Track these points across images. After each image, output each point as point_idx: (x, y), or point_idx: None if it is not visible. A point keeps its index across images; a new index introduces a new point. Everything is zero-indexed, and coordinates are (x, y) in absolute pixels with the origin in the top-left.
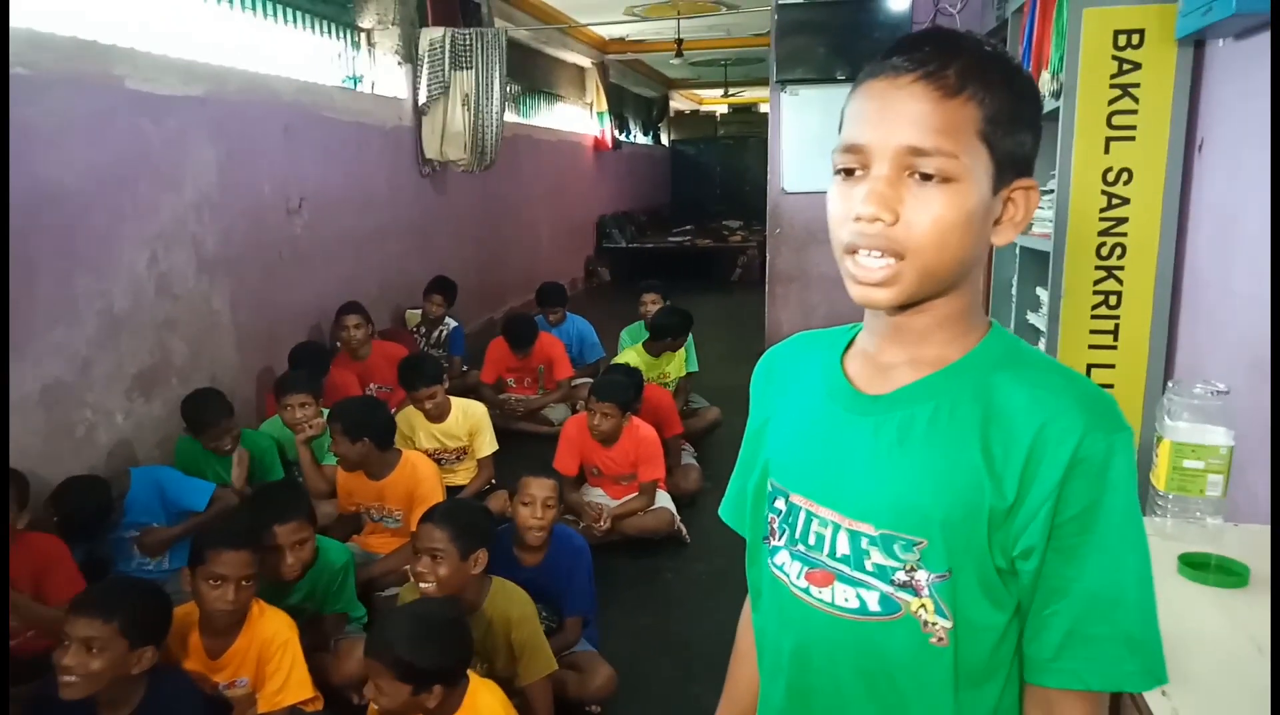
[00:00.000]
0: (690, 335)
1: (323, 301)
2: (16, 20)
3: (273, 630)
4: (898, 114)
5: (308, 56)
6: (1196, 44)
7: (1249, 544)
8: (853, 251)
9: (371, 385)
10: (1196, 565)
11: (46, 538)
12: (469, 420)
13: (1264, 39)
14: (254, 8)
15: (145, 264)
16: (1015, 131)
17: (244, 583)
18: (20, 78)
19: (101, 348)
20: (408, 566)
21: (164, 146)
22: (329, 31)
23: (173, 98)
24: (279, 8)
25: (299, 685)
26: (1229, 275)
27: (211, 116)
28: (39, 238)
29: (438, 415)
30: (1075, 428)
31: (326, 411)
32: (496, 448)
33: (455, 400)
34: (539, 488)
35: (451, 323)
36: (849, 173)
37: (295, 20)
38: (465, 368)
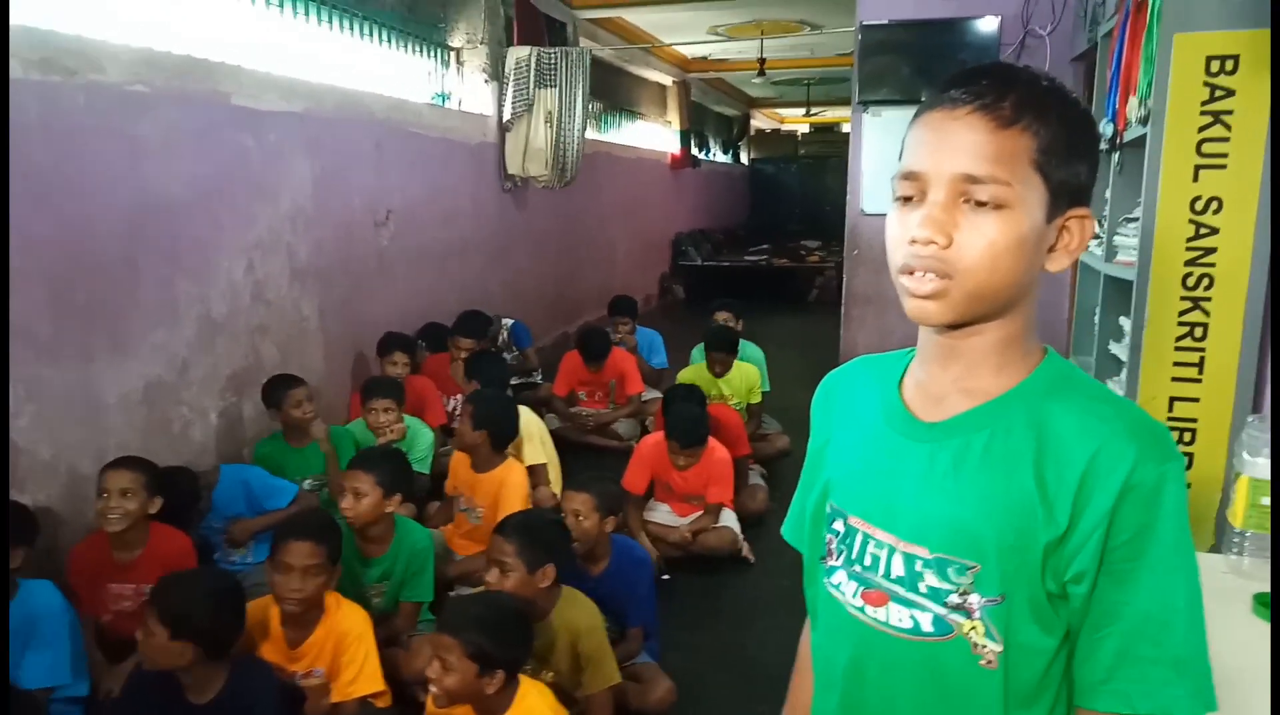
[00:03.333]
0: (763, 357)
1: (406, 312)
2: (134, 39)
3: (349, 623)
4: (954, 143)
5: (399, 74)
6: None
7: None
8: (909, 272)
9: (448, 397)
10: (1270, 604)
11: (176, 533)
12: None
13: None
14: (351, 27)
15: (242, 272)
16: (1070, 162)
17: (311, 573)
18: (136, 94)
19: (199, 349)
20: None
21: (263, 160)
22: (420, 51)
23: (273, 113)
24: (374, 27)
25: (370, 678)
26: None
27: (308, 132)
28: (144, 244)
29: None
30: (1127, 456)
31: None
32: (544, 461)
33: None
34: (568, 500)
35: (508, 321)
36: (907, 199)
37: (389, 40)
38: (539, 375)
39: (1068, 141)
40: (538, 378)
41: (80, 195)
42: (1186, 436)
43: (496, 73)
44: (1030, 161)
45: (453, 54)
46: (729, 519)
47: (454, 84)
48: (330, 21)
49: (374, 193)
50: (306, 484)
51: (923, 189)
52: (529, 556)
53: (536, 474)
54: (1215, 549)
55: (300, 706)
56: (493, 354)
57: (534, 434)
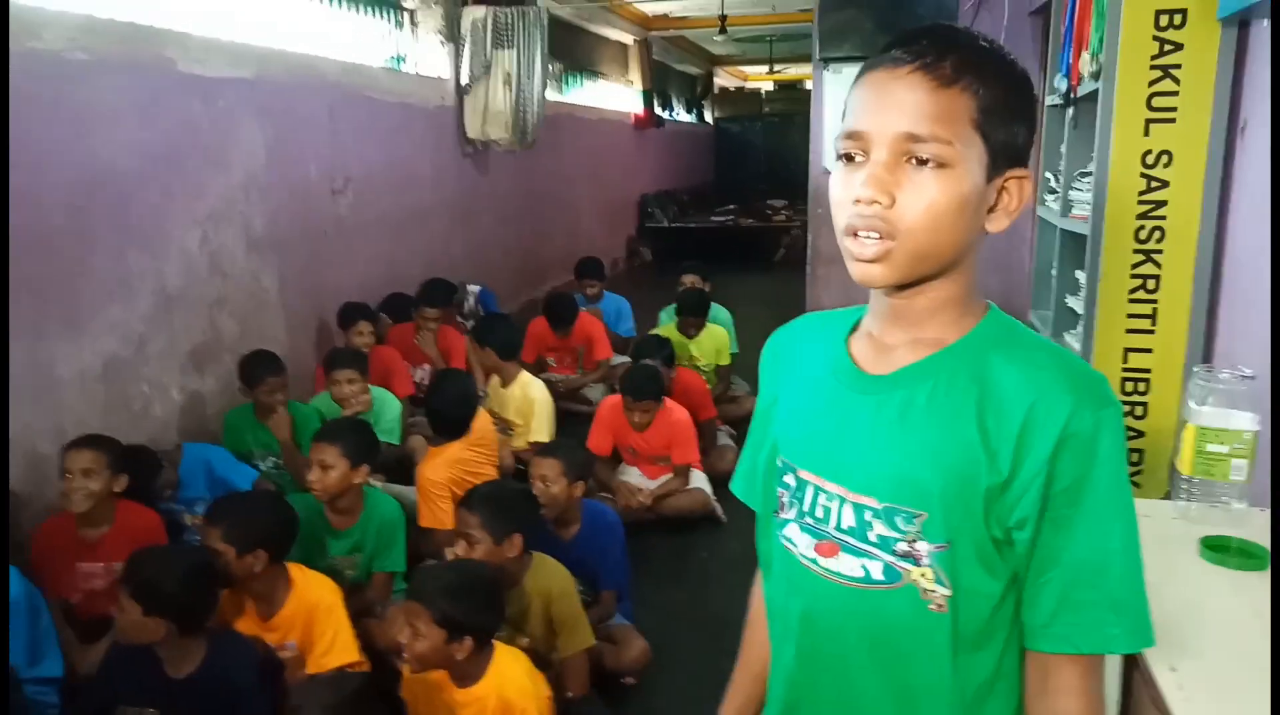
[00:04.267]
0: (731, 318)
1: (368, 281)
2: (74, 6)
3: (318, 595)
4: (896, 102)
5: (353, 37)
6: (1240, 24)
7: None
8: (852, 233)
9: (414, 367)
10: (1217, 548)
11: (144, 510)
12: (525, 402)
13: None
14: None
15: (197, 243)
16: (1009, 122)
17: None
18: (77, 62)
19: (156, 324)
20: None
21: (213, 127)
22: (373, 11)
23: (222, 79)
24: None
25: (345, 648)
26: (1269, 261)
27: (259, 98)
28: (93, 217)
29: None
30: (1065, 404)
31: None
32: (550, 439)
33: (525, 377)
34: (536, 466)
35: (474, 288)
36: (850, 158)
37: (339, 1)
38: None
39: (1007, 102)
40: None
41: (22, 167)
42: (1141, 387)
43: (453, 34)
44: (970, 121)
45: (406, 15)
46: (699, 480)
47: (409, 46)
48: None
49: (330, 159)
50: (270, 461)
51: (865, 148)
52: (495, 527)
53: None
54: (1168, 496)
55: (279, 676)
56: (498, 317)
57: (545, 411)
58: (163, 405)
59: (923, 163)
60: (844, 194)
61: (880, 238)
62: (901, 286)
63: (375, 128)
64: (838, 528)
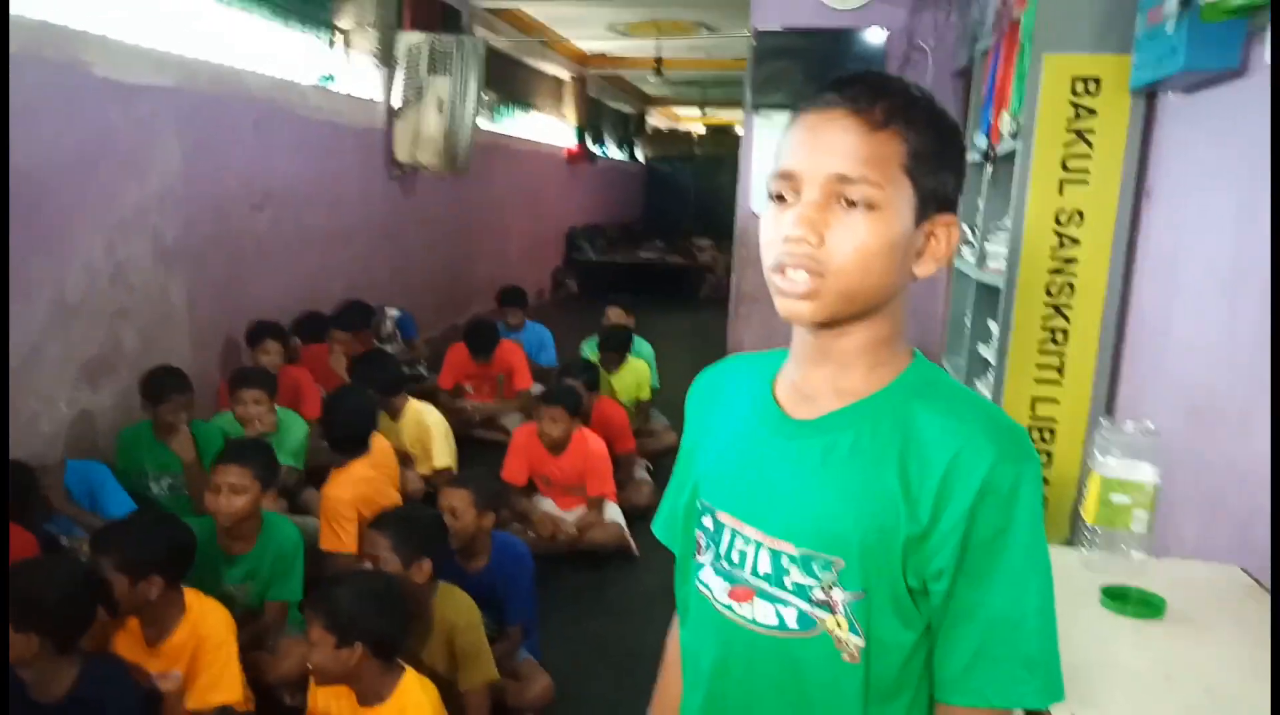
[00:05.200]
0: (653, 353)
1: (286, 299)
2: None
3: (210, 626)
4: (828, 144)
5: (283, 53)
6: (1149, 95)
7: (1170, 578)
8: (781, 269)
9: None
10: (1117, 597)
11: (18, 531)
12: (420, 430)
13: (1211, 94)
14: (230, 1)
15: (102, 252)
16: (937, 169)
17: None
18: None
19: (51, 334)
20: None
21: (130, 135)
22: (306, 29)
23: (141, 87)
24: (256, 3)
25: (230, 686)
26: (1170, 320)
27: (180, 108)
28: None
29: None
30: (986, 456)
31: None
32: (450, 463)
33: (415, 404)
34: (445, 497)
35: (393, 311)
36: (781, 199)
37: (272, 15)
38: (425, 367)
39: (936, 149)
40: (423, 369)
41: None
42: (1047, 435)
43: (386, 57)
44: (900, 165)
45: (340, 35)
46: (614, 513)
47: (341, 66)
48: None
49: (252, 174)
50: (165, 482)
51: (796, 188)
52: (404, 551)
53: (442, 477)
54: (1069, 542)
55: (157, 707)
56: (376, 353)
57: (440, 434)
58: (50, 420)
59: (852, 204)
60: (774, 233)
61: (809, 275)
62: (827, 326)
63: (302, 145)
64: (754, 573)
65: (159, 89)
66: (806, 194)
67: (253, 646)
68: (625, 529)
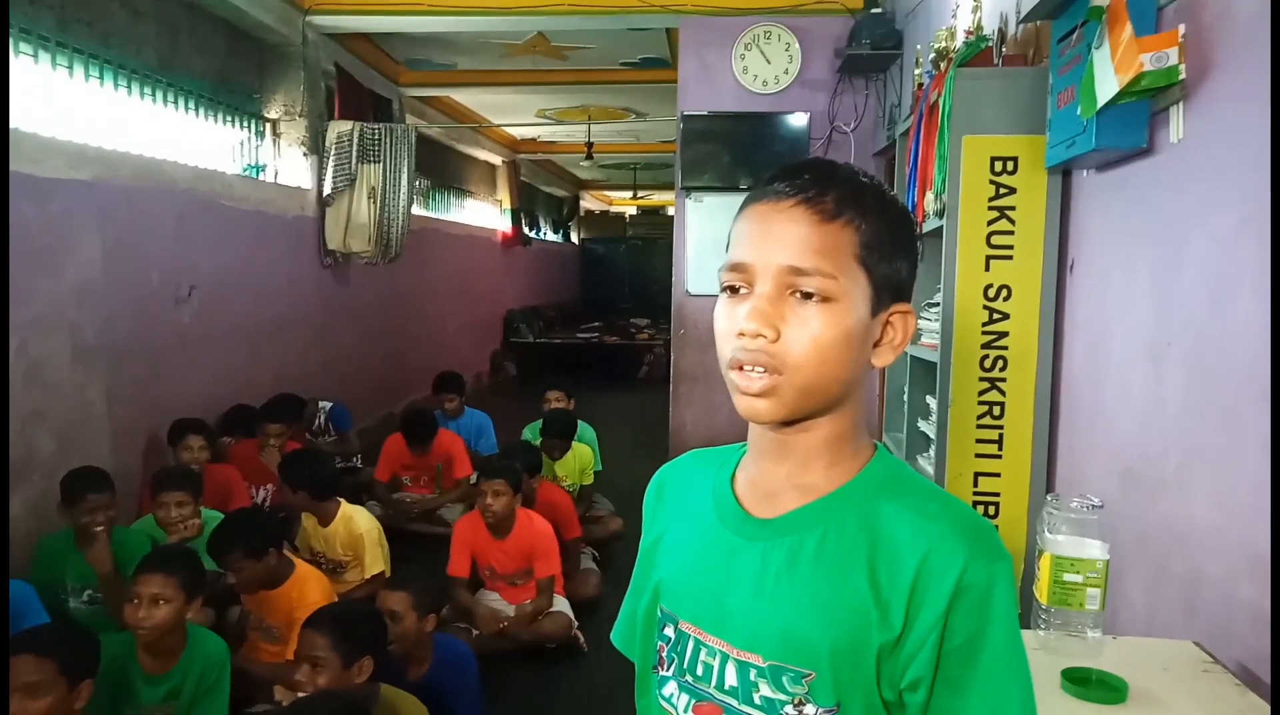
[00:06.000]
0: (595, 437)
1: (213, 395)
2: None
3: None
4: (780, 235)
5: (207, 144)
6: (1065, 173)
7: (1127, 656)
8: (738, 367)
9: (257, 488)
10: (1079, 681)
11: None
12: (351, 538)
13: (1123, 171)
14: (154, 94)
15: (14, 351)
16: (891, 257)
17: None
18: None
19: None
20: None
21: (45, 230)
22: (232, 121)
23: (58, 181)
24: (180, 94)
25: None
26: (1101, 389)
27: (100, 201)
28: None
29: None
30: (958, 557)
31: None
32: (384, 568)
33: (347, 510)
34: (384, 600)
35: (325, 404)
36: (734, 291)
37: (196, 108)
38: (360, 459)
39: (888, 237)
40: (358, 462)
41: None
42: (991, 510)
43: (316, 146)
44: (854, 255)
45: (268, 125)
46: (562, 605)
47: (269, 156)
48: (129, 86)
49: (176, 267)
50: (87, 595)
51: (749, 280)
52: (345, 650)
53: (375, 583)
54: (1021, 623)
55: None
56: (308, 452)
57: (373, 541)
58: None
59: (807, 297)
60: (728, 326)
61: (766, 372)
62: (787, 422)
63: (228, 235)
64: (719, 687)
65: (76, 183)
66: (759, 287)
67: None
68: (574, 621)
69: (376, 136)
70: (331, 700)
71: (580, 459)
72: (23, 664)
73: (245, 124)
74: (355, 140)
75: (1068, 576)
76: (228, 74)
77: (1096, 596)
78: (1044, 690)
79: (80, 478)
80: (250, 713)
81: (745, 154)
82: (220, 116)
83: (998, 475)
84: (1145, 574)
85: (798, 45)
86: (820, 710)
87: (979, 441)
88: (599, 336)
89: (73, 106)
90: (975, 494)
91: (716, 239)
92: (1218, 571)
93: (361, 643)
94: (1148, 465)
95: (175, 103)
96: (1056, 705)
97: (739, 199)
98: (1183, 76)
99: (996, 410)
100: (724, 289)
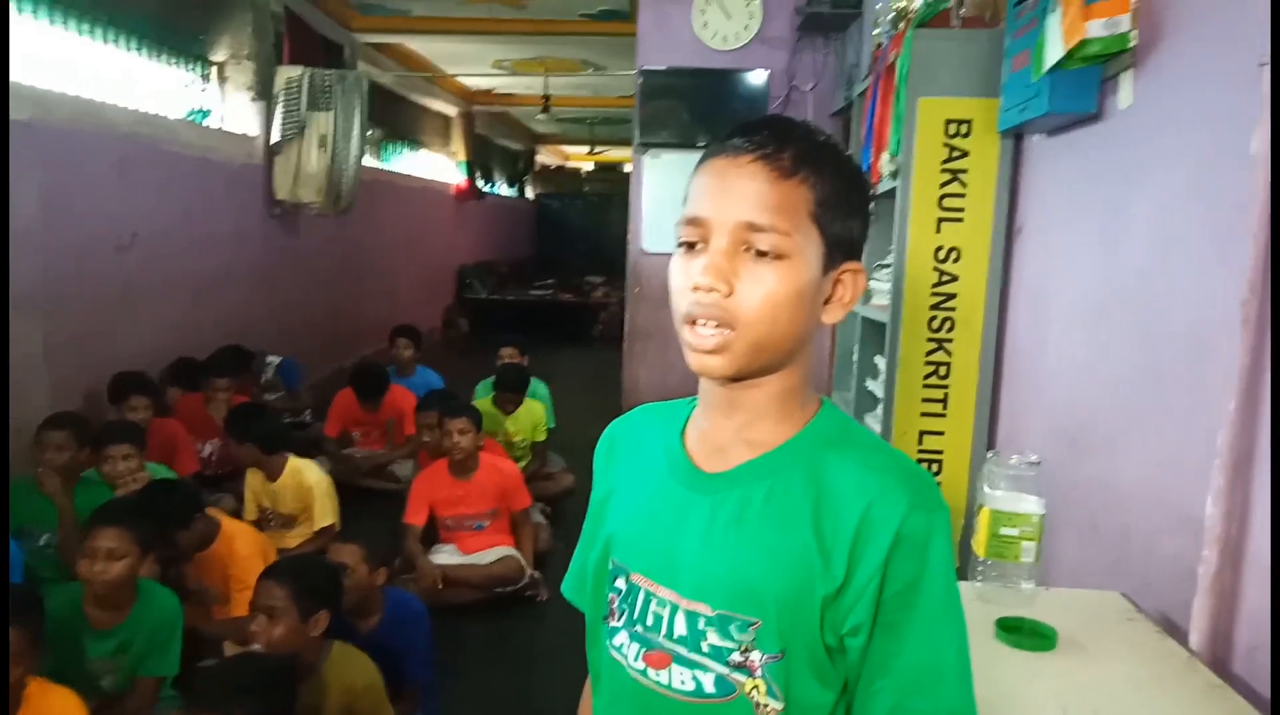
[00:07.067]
0: (549, 393)
1: (156, 347)
2: None
3: (57, 711)
4: (736, 191)
5: (149, 87)
6: (1017, 137)
7: (1058, 606)
8: (691, 322)
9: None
10: (1011, 629)
11: None
12: (300, 491)
13: (1073, 136)
14: (93, 32)
15: None
16: (845, 216)
17: None
18: None
19: None
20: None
21: None
22: (177, 63)
23: None
24: (122, 34)
25: None
26: (1043, 351)
27: (35, 144)
28: None
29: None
30: (899, 506)
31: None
32: (334, 521)
33: (295, 463)
34: (335, 553)
35: (274, 358)
36: (690, 246)
37: (139, 49)
38: (310, 414)
39: (842, 196)
40: (307, 417)
41: None
42: (935, 467)
43: (264, 92)
44: (808, 213)
45: (214, 69)
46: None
47: (215, 101)
48: (66, 23)
49: (117, 214)
50: (45, 538)
51: (705, 235)
52: (303, 603)
53: (325, 537)
54: (959, 575)
55: None
56: (255, 406)
57: (323, 493)
58: None
59: (762, 254)
60: (683, 281)
61: (719, 327)
62: (737, 378)
63: (171, 182)
64: (669, 636)
65: (12, 123)
66: (715, 242)
67: None
68: (527, 566)
69: (327, 83)
70: (259, 661)
71: (533, 415)
72: None
73: (190, 67)
74: (305, 87)
75: (1004, 530)
76: (172, 13)
77: (1031, 550)
78: (978, 639)
79: (50, 418)
80: (201, 666)
81: (704, 111)
82: (164, 58)
83: (941, 433)
84: (1078, 529)
85: (759, 1)
86: (765, 656)
87: (925, 401)
88: (553, 293)
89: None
90: (920, 452)
91: (673, 196)
92: (1144, 527)
93: (320, 596)
94: (1084, 425)
95: (116, 41)
96: (990, 653)
97: (696, 156)
98: (1134, 43)
99: (943, 370)
100: (681, 244)
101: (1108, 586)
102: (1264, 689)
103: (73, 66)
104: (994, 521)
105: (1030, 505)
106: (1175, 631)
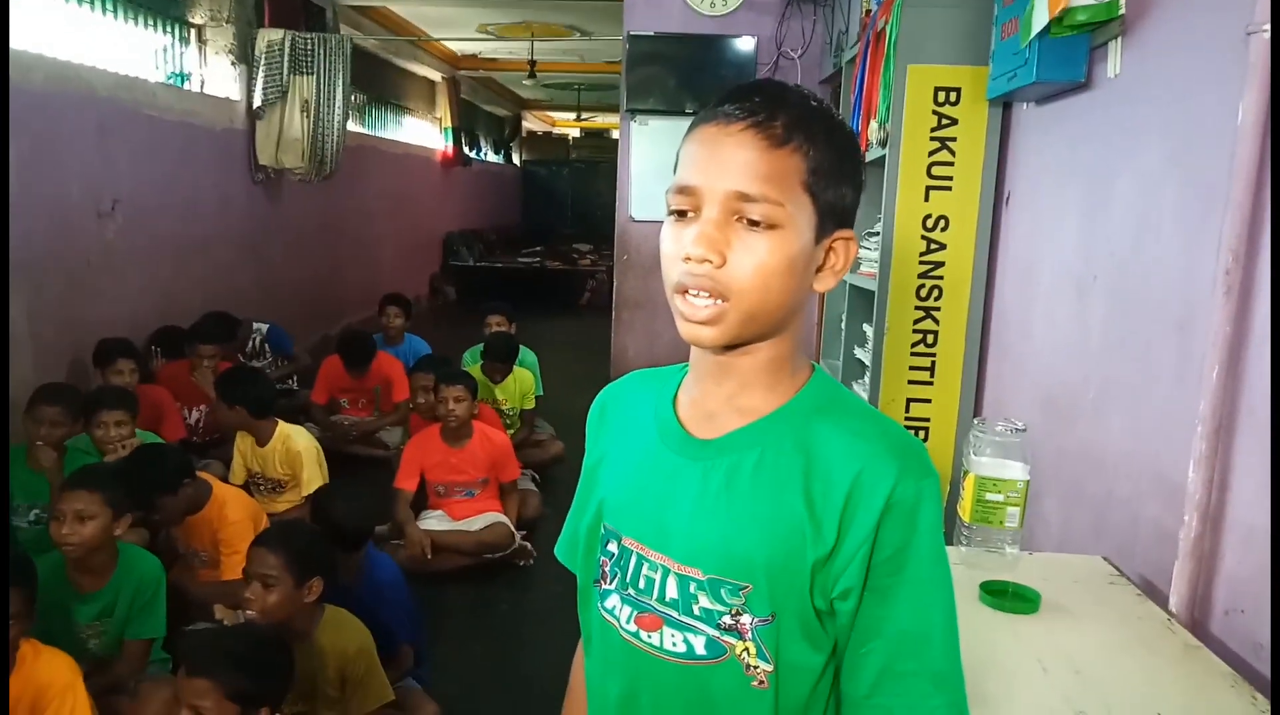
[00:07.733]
0: (537, 361)
1: (139, 314)
2: None
3: (50, 674)
4: (728, 160)
5: (129, 49)
6: (1005, 105)
7: (1040, 570)
8: (682, 291)
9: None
10: (995, 593)
11: None
12: (289, 456)
13: (1061, 105)
14: None
15: None
16: (837, 184)
17: None
18: None
19: None
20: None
21: None
22: (155, 25)
23: None
24: None
25: None
26: (1029, 320)
27: (13, 107)
28: None
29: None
30: (889, 473)
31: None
32: (325, 482)
33: (284, 429)
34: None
35: (261, 326)
36: (681, 214)
37: (117, 11)
38: (295, 381)
39: (835, 163)
40: (294, 384)
41: None
42: (922, 434)
43: (245, 55)
44: (800, 182)
45: (193, 31)
46: (502, 519)
47: (195, 64)
48: None
49: (97, 179)
50: (34, 513)
51: (697, 204)
52: (297, 569)
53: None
54: (947, 540)
55: None
56: (246, 369)
57: (312, 459)
58: None
59: (754, 224)
60: (674, 249)
61: (711, 297)
62: (729, 346)
63: (152, 147)
64: (660, 600)
65: None
66: (707, 211)
67: (110, 692)
68: (516, 533)
69: (310, 47)
70: (256, 631)
71: (521, 383)
72: None
73: (168, 29)
74: (287, 50)
75: (989, 496)
76: None
77: (1016, 515)
78: (963, 602)
79: (43, 392)
80: (190, 629)
81: (692, 77)
82: (141, 20)
83: (929, 401)
84: (1061, 494)
85: None
86: (756, 619)
87: (912, 368)
88: (541, 261)
89: None
90: (907, 419)
91: (661, 163)
92: (1126, 492)
93: (314, 563)
94: (1068, 392)
95: (93, 3)
96: (975, 616)
97: (684, 123)
98: (1123, 11)
99: (930, 338)
100: (671, 212)
101: (1091, 551)
102: (1240, 649)
103: (48, 28)
104: (979, 487)
105: (1015, 471)
106: (1155, 594)
